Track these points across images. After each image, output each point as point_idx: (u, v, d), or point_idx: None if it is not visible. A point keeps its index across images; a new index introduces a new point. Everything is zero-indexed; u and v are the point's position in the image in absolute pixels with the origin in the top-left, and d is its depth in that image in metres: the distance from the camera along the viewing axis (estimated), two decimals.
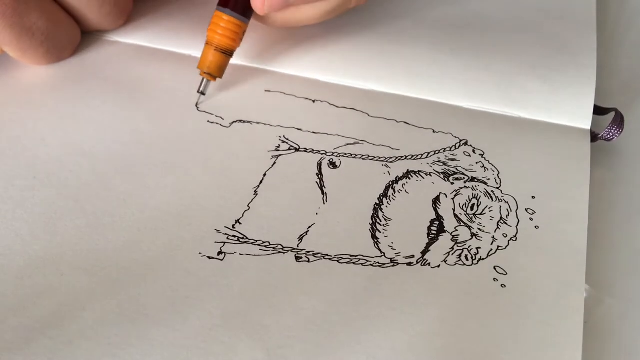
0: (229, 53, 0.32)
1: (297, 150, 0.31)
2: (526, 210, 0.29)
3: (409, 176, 0.30)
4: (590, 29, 0.38)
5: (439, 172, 0.30)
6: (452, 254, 0.27)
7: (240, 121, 0.33)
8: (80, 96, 0.33)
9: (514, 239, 0.28)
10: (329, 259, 0.27)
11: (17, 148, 0.31)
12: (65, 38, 0.34)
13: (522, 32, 0.37)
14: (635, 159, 0.33)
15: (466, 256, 0.27)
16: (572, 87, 0.34)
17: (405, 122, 0.33)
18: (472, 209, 0.29)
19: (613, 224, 0.30)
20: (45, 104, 0.33)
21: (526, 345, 0.24)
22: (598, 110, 0.34)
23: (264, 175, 0.30)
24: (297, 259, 0.27)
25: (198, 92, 0.33)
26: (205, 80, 0.33)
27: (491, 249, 0.27)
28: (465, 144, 0.32)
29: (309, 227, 0.28)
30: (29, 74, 0.35)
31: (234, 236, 0.27)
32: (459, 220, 0.28)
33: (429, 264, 0.27)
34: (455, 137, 0.32)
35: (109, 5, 0.34)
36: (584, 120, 0.33)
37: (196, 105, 0.33)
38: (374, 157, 0.31)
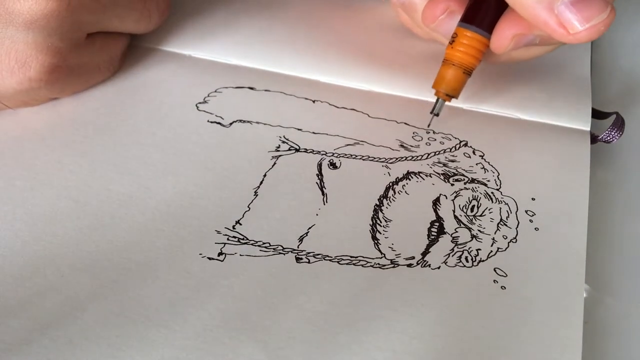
0: (469, 72, 0.30)
1: (297, 150, 0.31)
2: (526, 212, 0.29)
3: (409, 177, 0.30)
4: None
5: (439, 173, 0.30)
6: (452, 256, 0.27)
7: (241, 121, 0.33)
8: (81, 98, 0.33)
9: (514, 240, 0.28)
10: (329, 260, 0.27)
11: (17, 148, 0.30)
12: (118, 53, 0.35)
13: None
14: (635, 159, 0.33)
15: (466, 258, 0.27)
16: (570, 89, 0.34)
17: (405, 123, 0.33)
18: (472, 210, 0.29)
19: (613, 224, 0.30)
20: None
21: (526, 347, 0.24)
22: (598, 115, 0.34)
23: (264, 175, 0.30)
24: (298, 259, 0.27)
25: (431, 112, 0.31)
26: (440, 100, 0.31)
27: (491, 251, 0.27)
28: (465, 145, 0.32)
29: (309, 228, 0.28)
30: None
31: (234, 237, 0.27)
32: (459, 221, 0.28)
33: (429, 265, 0.27)
34: (456, 138, 0.32)
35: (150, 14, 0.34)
36: (583, 122, 0.33)
37: (196, 106, 0.33)
38: (374, 158, 0.31)
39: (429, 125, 0.32)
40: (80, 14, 0.30)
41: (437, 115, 0.31)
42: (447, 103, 0.31)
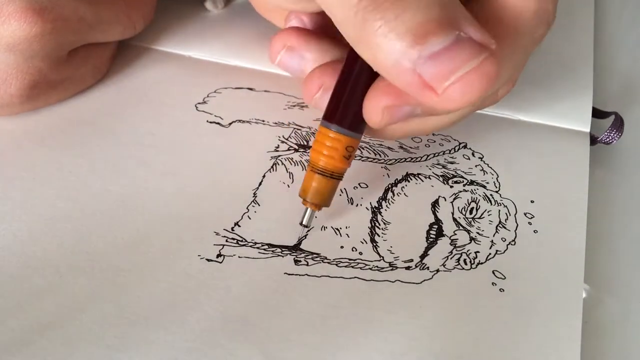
0: (337, 177, 0.26)
1: (296, 150, 0.31)
2: (525, 214, 0.29)
3: (408, 179, 0.30)
4: (587, 31, 0.38)
5: (438, 175, 0.30)
6: (451, 258, 0.27)
7: (240, 121, 0.33)
8: (81, 98, 0.33)
9: (513, 243, 0.28)
10: (328, 263, 0.27)
11: (16, 149, 0.30)
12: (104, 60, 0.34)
13: None
14: (634, 160, 0.33)
15: (465, 260, 0.27)
16: (570, 90, 0.34)
17: None
18: (470, 212, 0.29)
19: (613, 224, 0.30)
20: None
21: (525, 349, 0.24)
22: (598, 114, 0.34)
23: (263, 176, 0.30)
24: (296, 262, 0.27)
25: (301, 224, 0.27)
26: (309, 211, 0.27)
27: (490, 253, 0.27)
28: (465, 146, 0.32)
29: (308, 230, 0.28)
30: None
31: (233, 239, 0.27)
32: (457, 224, 0.28)
33: (428, 267, 0.27)
34: (455, 139, 0.32)
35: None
36: (583, 123, 0.33)
37: (195, 107, 0.33)
38: (374, 159, 0.31)
39: (299, 237, 0.28)
40: (63, 36, 0.29)
41: (307, 227, 0.27)
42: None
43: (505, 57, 0.24)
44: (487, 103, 0.28)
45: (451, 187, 0.30)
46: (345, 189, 0.30)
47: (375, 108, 0.24)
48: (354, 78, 0.25)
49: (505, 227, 0.28)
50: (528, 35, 0.24)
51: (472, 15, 0.22)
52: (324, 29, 0.30)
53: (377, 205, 0.29)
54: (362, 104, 0.24)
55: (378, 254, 0.27)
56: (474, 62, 0.20)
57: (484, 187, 0.30)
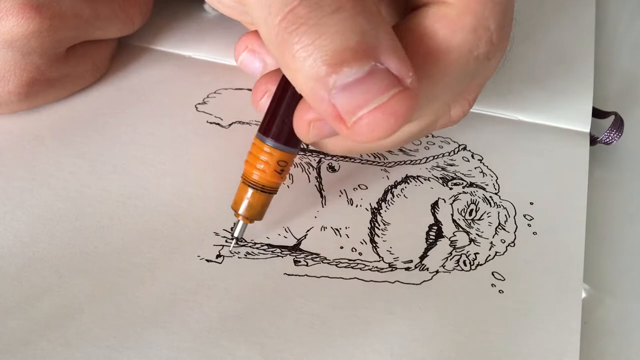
0: (270, 191, 0.26)
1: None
2: (524, 216, 0.29)
3: (408, 181, 0.30)
4: (588, 32, 0.38)
5: (437, 177, 0.30)
6: (450, 260, 0.27)
7: (240, 122, 0.33)
8: (80, 98, 0.33)
9: (512, 244, 0.28)
10: (328, 263, 0.27)
11: (16, 149, 0.30)
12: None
13: (520, 36, 0.37)
14: (634, 160, 0.33)
15: (464, 262, 0.27)
16: (570, 91, 0.34)
17: None
18: (470, 214, 0.29)
19: (613, 224, 0.30)
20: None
21: (524, 350, 0.24)
22: (598, 114, 0.34)
23: None
24: (296, 262, 0.27)
25: (232, 237, 0.27)
26: (241, 223, 0.27)
27: (489, 255, 0.27)
28: (464, 148, 0.32)
29: (308, 230, 0.28)
30: None
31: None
32: (457, 225, 0.28)
33: (427, 269, 0.27)
34: (454, 141, 0.32)
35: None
36: (583, 124, 0.33)
37: (195, 107, 0.33)
38: (373, 162, 0.31)
39: (230, 250, 0.27)
40: (61, 32, 0.29)
41: (239, 240, 0.27)
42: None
43: (435, 79, 0.22)
44: (439, 125, 0.27)
45: (451, 189, 0.30)
46: (345, 190, 0.30)
47: (301, 122, 0.23)
48: (289, 92, 0.24)
49: (504, 229, 0.28)
50: (464, 54, 0.22)
51: (403, 34, 0.21)
52: None
53: (376, 206, 0.29)
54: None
55: (378, 254, 0.27)
56: (383, 97, 0.19)
57: (484, 189, 0.30)
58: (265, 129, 0.25)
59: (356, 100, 0.19)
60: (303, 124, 0.23)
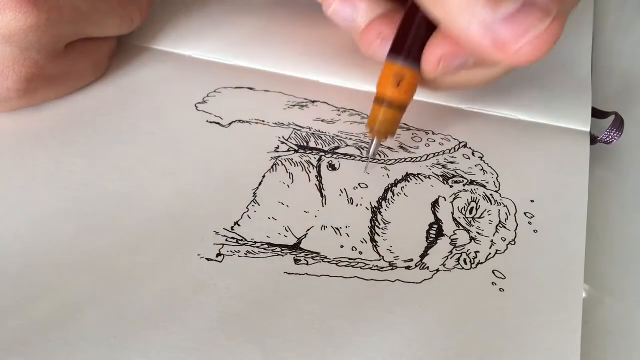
0: (402, 108, 0.28)
1: (296, 151, 0.31)
2: (525, 214, 0.29)
3: (408, 179, 0.30)
4: (586, 30, 0.38)
5: (438, 175, 0.30)
6: (451, 258, 0.27)
7: (240, 121, 0.33)
8: (80, 97, 0.33)
9: (513, 243, 0.28)
10: (328, 262, 0.27)
11: (16, 148, 0.30)
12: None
13: None
14: (634, 160, 0.33)
15: (465, 260, 0.27)
16: (570, 90, 0.34)
17: (404, 124, 0.33)
18: (470, 212, 0.29)
19: (613, 224, 0.30)
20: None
21: (524, 349, 0.24)
22: (598, 114, 0.34)
23: (263, 176, 0.30)
24: (296, 261, 0.27)
25: (367, 156, 0.30)
26: (376, 141, 0.29)
27: (490, 253, 0.27)
28: (465, 146, 0.32)
29: (308, 229, 0.28)
30: None
31: (233, 238, 0.27)
32: (457, 224, 0.28)
33: (428, 267, 0.27)
34: (455, 139, 0.32)
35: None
36: (583, 123, 0.33)
37: (195, 106, 0.33)
38: (373, 159, 0.31)
39: (365, 169, 0.30)
40: (59, 27, 0.29)
41: (374, 159, 0.30)
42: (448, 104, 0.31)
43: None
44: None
45: (451, 187, 0.30)
46: (345, 189, 0.30)
47: (433, 57, 0.26)
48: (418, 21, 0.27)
49: (505, 227, 0.28)
50: None
51: None
52: None
53: (377, 205, 0.29)
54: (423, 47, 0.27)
55: (378, 253, 0.27)
56: (541, 26, 0.23)
57: (484, 186, 0.30)
58: (397, 47, 0.27)
59: (518, 29, 0.23)
60: (434, 59, 0.26)
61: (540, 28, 0.23)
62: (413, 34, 0.27)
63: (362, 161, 0.31)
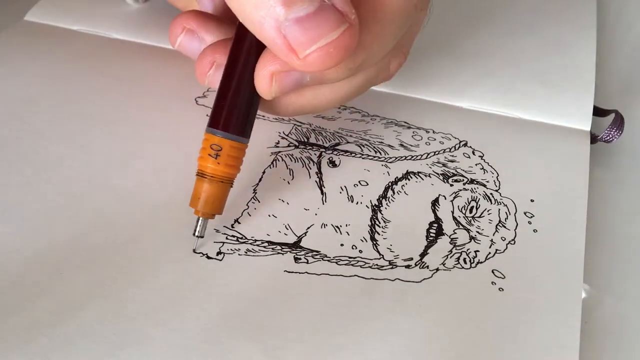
0: (227, 182, 0.26)
1: (296, 147, 0.31)
2: (525, 213, 0.29)
3: (409, 177, 0.30)
4: (590, 31, 0.38)
5: (438, 174, 0.30)
6: (451, 257, 0.27)
7: None
8: (81, 92, 0.33)
9: (512, 242, 0.28)
10: (328, 260, 0.27)
11: (15, 143, 0.30)
12: None
13: (522, 34, 0.37)
14: (634, 159, 0.33)
15: (464, 259, 0.27)
16: (572, 89, 0.34)
17: (405, 122, 0.33)
18: (470, 211, 0.29)
19: (613, 223, 0.30)
20: (43, 99, 0.32)
21: (523, 349, 0.24)
22: (598, 112, 0.34)
23: (263, 173, 0.30)
24: (296, 259, 0.27)
25: (194, 234, 0.26)
26: (201, 220, 0.26)
27: (489, 253, 0.27)
28: (465, 145, 0.32)
29: (308, 227, 0.28)
30: (28, 73, 0.34)
31: (233, 236, 0.27)
32: (457, 223, 0.28)
33: (427, 266, 0.27)
34: (455, 138, 0.32)
35: None
36: (584, 122, 0.33)
37: (195, 101, 0.33)
38: (374, 157, 0.31)
39: (194, 249, 0.27)
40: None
41: (202, 237, 0.26)
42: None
43: (384, 25, 0.24)
44: (380, 78, 0.28)
45: (451, 185, 0.30)
46: (345, 186, 0.29)
47: (264, 74, 0.24)
48: (237, 78, 0.25)
49: (505, 226, 0.28)
50: (402, 7, 0.24)
51: None
52: (225, 13, 0.29)
53: (377, 204, 0.29)
54: (247, 107, 0.25)
55: (378, 252, 0.27)
56: (333, 34, 0.21)
57: (484, 185, 0.30)
58: (216, 122, 0.25)
59: (309, 34, 0.21)
60: (265, 77, 0.24)
61: (332, 36, 0.22)
62: (231, 96, 0.25)
63: (362, 159, 0.31)
